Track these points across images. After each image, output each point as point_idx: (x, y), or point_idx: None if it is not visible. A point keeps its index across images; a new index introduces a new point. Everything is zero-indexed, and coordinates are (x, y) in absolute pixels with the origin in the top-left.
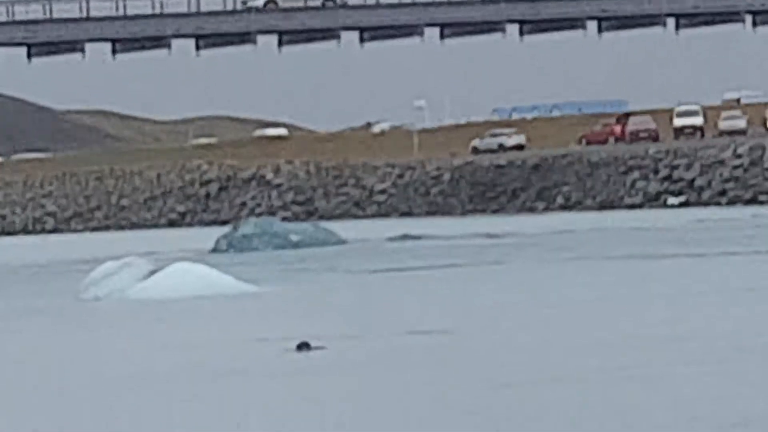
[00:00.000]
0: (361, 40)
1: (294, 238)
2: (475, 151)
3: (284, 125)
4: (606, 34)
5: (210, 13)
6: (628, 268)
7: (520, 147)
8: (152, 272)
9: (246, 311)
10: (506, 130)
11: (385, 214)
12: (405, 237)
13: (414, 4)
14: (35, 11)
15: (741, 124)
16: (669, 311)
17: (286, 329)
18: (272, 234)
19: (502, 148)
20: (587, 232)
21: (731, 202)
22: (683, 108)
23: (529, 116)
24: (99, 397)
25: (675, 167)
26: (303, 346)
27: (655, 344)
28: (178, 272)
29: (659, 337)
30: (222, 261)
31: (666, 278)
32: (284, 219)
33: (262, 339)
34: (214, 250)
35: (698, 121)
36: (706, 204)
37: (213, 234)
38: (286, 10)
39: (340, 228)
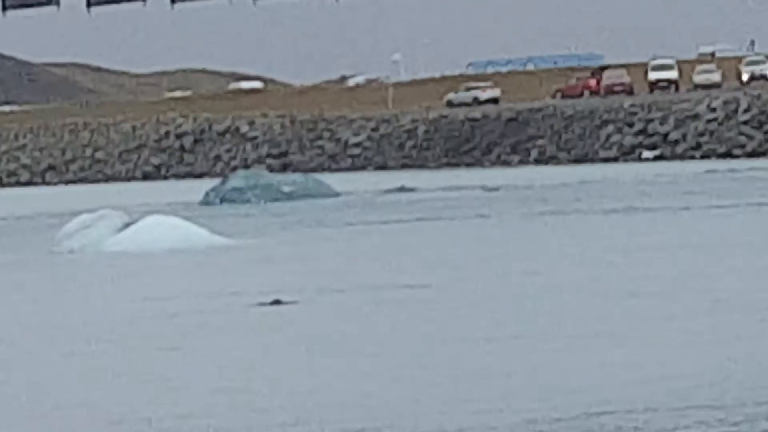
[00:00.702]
0: None
1: (286, 189)
2: (450, 104)
3: (259, 78)
4: None
5: None
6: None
7: (494, 100)
8: (126, 225)
9: (217, 265)
10: (481, 84)
11: (360, 167)
12: (402, 189)
13: None
14: None
15: (715, 78)
16: (642, 264)
17: (257, 283)
18: (264, 186)
19: (476, 101)
20: (594, 184)
21: (705, 156)
22: (658, 62)
23: (504, 70)
24: (67, 351)
25: (649, 121)
26: (274, 302)
27: (632, 298)
28: (152, 225)
29: (637, 291)
30: (214, 214)
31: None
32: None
33: (232, 293)
34: (205, 203)
35: (673, 75)
36: (681, 157)
37: (195, 187)
38: None
39: (332, 180)
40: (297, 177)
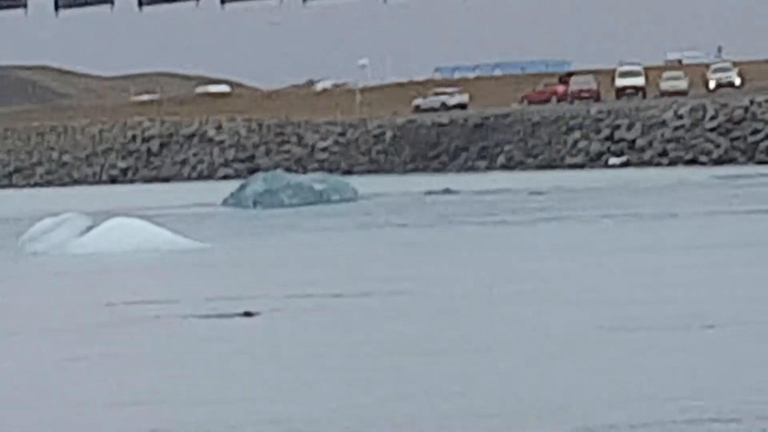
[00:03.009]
0: None
1: (318, 187)
2: (418, 109)
3: (227, 82)
4: None
5: None
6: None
7: (462, 106)
8: (89, 228)
9: (176, 268)
10: (449, 89)
11: (328, 171)
12: (447, 191)
13: None
14: None
15: (682, 84)
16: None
17: (205, 287)
18: (296, 186)
19: (444, 106)
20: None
21: (672, 163)
22: (625, 68)
23: (471, 75)
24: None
25: (616, 127)
26: (242, 314)
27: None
28: (116, 227)
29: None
30: (261, 217)
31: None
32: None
33: (171, 300)
34: (238, 204)
35: (640, 81)
36: (647, 164)
37: (187, 188)
38: None
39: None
40: (320, 175)
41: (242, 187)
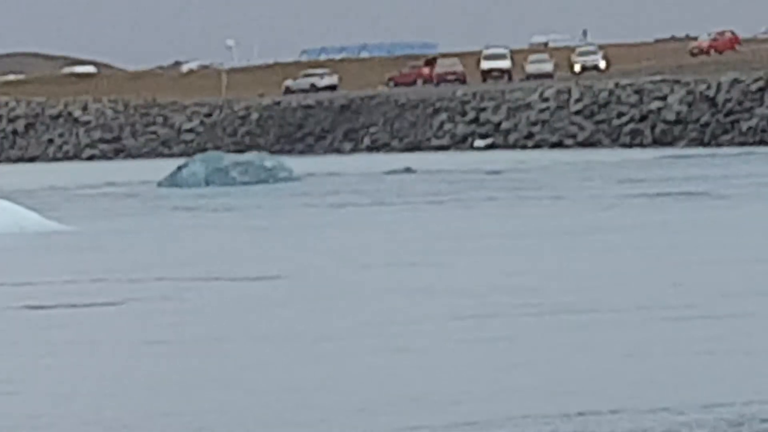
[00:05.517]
0: None
1: (268, 164)
2: (288, 91)
3: (93, 63)
4: None
5: None
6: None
7: (332, 87)
8: None
9: (32, 249)
10: (318, 71)
11: (193, 153)
12: (408, 170)
13: None
14: None
15: (548, 67)
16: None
17: (61, 269)
18: (246, 164)
19: (314, 88)
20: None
21: (537, 146)
22: (491, 51)
23: (337, 57)
24: None
25: (482, 110)
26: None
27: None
28: None
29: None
30: (227, 196)
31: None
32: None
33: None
34: (175, 185)
35: (506, 64)
36: (513, 147)
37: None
38: None
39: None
40: (257, 155)
41: (179, 168)
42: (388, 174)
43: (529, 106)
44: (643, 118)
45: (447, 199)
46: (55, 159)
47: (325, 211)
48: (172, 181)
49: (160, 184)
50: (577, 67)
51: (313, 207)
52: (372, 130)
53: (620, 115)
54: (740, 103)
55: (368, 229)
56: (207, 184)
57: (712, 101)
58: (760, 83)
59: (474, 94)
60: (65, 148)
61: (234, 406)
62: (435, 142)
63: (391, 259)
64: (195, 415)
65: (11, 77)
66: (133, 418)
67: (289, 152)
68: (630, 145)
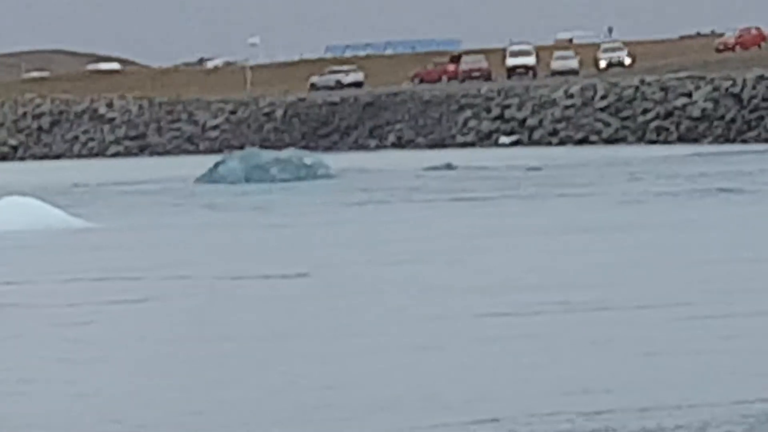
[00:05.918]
0: None
1: (308, 161)
2: (314, 87)
3: (118, 60)
4: None
5: None
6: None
7: (358, 84)
8: None
9: (60, 247)
10: (344, 67)
11: (218, 150)
12: (449, 167)
13: None
14: None
15: (573, 64)
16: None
17: (81, 268)
18: (285, 161)
19: (339, 84)
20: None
21: (562, 142)
22: (516, 48)
23: (362, 54)
24: None
25: (507, 107)
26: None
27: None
28: (9, 206)
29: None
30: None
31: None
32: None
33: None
34: (212, 181)
35: (530, 60)
36: (538, 143)
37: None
38: None
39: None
40: (294, 152)
41: (216, 165)
42: (428, 170)
43: (554, 102)
44: (668, 115)
45: (498, 195)
46: (80, 156)
47: (376, 208)
48: (210, 177)
49: (197, 180)
50: (602, 64)
51: (360, 205)
52: (397, 126)
53: (645, 111)
54: (766, 99)
55: (423, 227)
56: (246, 181)
57: (737, 98)
58: None
59: (499, 91)
60: (90, 145)
61: (254, 403)
62: (460, 138)
63: (430, 257)
64: (217, 413)
65: (36, 74)
66: (155, 417)
67: (314, 149)
68: (655, 142)
